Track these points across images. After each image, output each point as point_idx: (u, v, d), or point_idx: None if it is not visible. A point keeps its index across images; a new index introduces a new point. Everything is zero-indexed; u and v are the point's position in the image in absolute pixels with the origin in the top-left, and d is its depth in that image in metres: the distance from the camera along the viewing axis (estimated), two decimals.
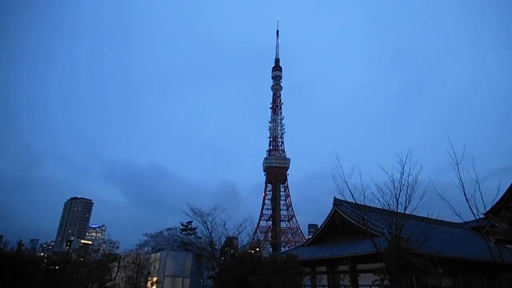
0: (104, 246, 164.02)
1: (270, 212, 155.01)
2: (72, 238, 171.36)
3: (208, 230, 30.22)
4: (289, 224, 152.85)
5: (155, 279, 32.53)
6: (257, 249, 41.25)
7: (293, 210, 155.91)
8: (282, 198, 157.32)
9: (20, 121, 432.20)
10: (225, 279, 25.91)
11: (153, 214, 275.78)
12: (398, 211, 17.86)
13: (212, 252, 30.44)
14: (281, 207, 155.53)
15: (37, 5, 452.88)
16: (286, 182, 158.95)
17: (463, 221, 15.01)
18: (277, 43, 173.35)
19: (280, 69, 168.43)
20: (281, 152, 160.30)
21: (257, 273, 22.90)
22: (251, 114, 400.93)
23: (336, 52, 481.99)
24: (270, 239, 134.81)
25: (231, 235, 30.76)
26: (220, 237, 30.43)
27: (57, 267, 29.86)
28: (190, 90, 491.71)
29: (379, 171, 18.22)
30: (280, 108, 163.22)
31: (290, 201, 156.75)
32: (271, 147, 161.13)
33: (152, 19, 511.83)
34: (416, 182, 17.55)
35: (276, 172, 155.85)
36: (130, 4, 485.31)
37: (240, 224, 30.91)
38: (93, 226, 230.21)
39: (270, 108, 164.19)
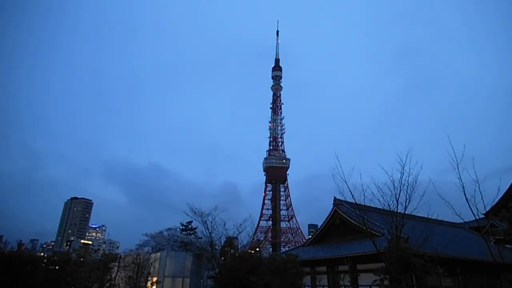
0: (104, 246, 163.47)
1: (270, 212, 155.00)
2: (72, 238, 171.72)
3: (208, 230, 30.16)
4: (289, 224, 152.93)
5: (155, 279, 32.51)
6: (257, 249, 41.30)
7: (293, 210, 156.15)
8: (282, 198, 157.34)
9: (21, 121, 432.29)
10: (225, 279, 25.88)
11: (153, 214, 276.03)
12: (398, 211, 17.81)
13: (212, 252, 30.38)
14: (281, 207, 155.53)
15: (38, 4, 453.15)
16: (286, 182, 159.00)
17: (463, 221, 14.97)
18: (277, 43, 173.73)
19: (280, 69, 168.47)
20: (281, 152, 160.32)
21: (257, 273, 22.85)
22: (251, 114, 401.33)
23: (337, 51, 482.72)
24: (270, 239, 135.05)
25: (231, 235, 30.72)
26: (220, 237, 30.38)
27: (57, 267, 29.81)
28: (190, 90, 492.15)
29: (379, 171, 18.20)
30: (280, 108, 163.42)
31: (290, 201, 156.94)
32: (271, 147, 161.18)
33: (152, 19, 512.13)
34: (416, 182, 17.49)
35: (276, 172, 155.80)
36: (131, 4, 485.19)
37: (240, 224, 30.87)
38: (93, 226, 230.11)
39: (270, 108, 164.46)
